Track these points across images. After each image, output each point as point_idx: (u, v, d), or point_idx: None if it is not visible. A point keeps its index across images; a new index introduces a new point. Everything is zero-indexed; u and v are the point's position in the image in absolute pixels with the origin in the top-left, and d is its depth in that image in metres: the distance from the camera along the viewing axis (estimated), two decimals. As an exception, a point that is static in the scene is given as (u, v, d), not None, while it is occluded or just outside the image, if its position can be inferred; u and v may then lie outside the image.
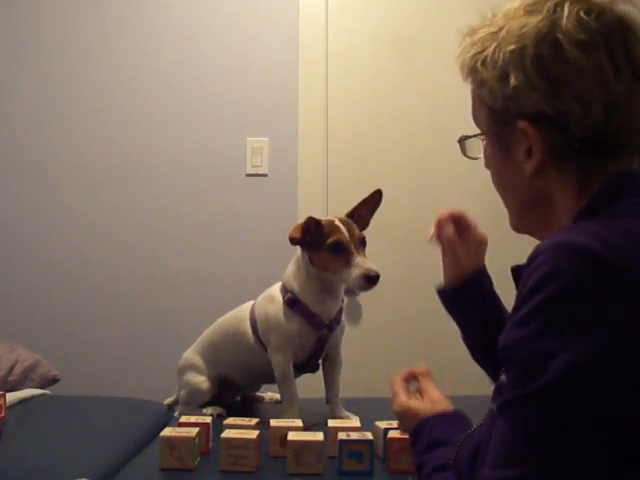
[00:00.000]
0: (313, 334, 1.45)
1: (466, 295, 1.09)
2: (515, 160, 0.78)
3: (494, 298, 1.10)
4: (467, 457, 0.78)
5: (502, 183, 0.84)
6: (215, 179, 2.53)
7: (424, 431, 0.91)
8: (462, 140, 0.89)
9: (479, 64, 0.78)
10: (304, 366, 1.49)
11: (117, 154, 2.55)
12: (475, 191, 2.53)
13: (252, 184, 2.53)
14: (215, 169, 2.53)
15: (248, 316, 1.54)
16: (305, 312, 1.43)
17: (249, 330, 1.52)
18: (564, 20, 0.72)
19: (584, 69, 0.71)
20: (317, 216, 1.42)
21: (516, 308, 0.66)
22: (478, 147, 0.87)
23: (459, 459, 0.81)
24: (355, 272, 1.33)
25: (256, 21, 2.59)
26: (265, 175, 2.53)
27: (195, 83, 2.58)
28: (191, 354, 1.63)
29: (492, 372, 1.05)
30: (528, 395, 0.61)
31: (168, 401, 1.69)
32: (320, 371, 1.54)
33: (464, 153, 0.90)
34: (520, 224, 0.85)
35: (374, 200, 1.47)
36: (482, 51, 0.78)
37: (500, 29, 0.77)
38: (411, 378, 1.03)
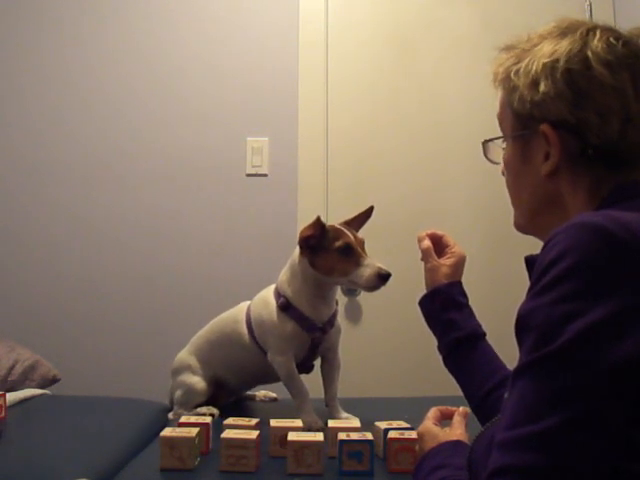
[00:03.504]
0: (307, 336, 1.46)
1: (438, 301, 1.18)
2: (533, 163, 0.86)
3: (464, 307, 1.18)
4: (482, 450, 0.78)
5: (518, 184, 0.90)
6: (215, 179, 2.53)
7: (433, 454, 0.92)
8: (485, 142, 0.97)
9: (512, 73, 0.86)
10: (299, 367, 1.50)
11: (117, 154, 2.55)
12: (475, 191, 2.53)
13: (252, 184, 2.53)
14: (215, 169, 2.53)
15: (244, 317, 1.54)
16: (298, 316, 1.45)
17: (245, 331, 1.53)
18: (595, 42, 0.81)
19: (608, 86, 0.79)
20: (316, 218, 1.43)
21: (533, 283, 0.68)
22: (499, 153, 0.94)
23: (474, 454, 0.81)
24: (367, 271, 1.37)
25: (256, 21, 2.60)
26: (265, 175, 2.53)
27: (195, 83, 2.58)
28: (185, 355, 1.64)
29: (453, 370, 1.16)
30: (546, 355, 0.63)
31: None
32: (320, 373, 1.55)
33: (485, 155, 0.98)
34: (528, 224, 0.91)
35: (367, 215, 1.52)
36: (517, 62, 0.87)
37: (534, 46, 0.86)
38: (449, 415, 1.04)
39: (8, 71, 2.60)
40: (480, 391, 1.11)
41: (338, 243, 1.39)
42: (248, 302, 1.58)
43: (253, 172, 2.54)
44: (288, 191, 2.50)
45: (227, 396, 1.67)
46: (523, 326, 0.67)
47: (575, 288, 0.64)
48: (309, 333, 1.45)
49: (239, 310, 1.58)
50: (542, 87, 0.82)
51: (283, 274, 1.50)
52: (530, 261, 0.80)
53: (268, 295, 1.51)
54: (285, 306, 1.45)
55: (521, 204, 0.91)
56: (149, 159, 2.54)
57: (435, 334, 1.20)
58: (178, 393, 1.59)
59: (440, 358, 1.20)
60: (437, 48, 2.60)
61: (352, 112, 2.58)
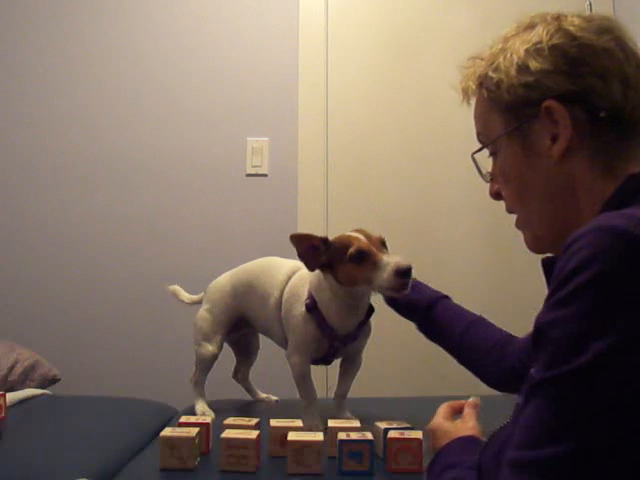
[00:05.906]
0: (326, 343, 1.41)
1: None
2: (539, 152, 0.80)
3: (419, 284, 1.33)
4: (492, 455, 0.76)
5: (525, 188, 0.83)
6: (215, 179, 2.53)
7: (445, 452, 0.90)
8: (474, 154, 0.92)
9: (491, 71, 0.82)
10: (318, 360, 1.47)
11: (117, 154, 2.55)
12: (475, 192, 2.53)
13: (252, 184, 2.53)
14: (215, 169, 2.53)
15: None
16: (321, 321, 1.38)
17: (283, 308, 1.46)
18: (569, 19, 0.80)
19: (599, 50, 0.77)
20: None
21: (552, 292, 0.64)
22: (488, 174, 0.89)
23: (484, 458, 0.79)
24: (386, 271, 1.23)
25: (256, 21, 2.60)
26: (265, 175, 2.54)
27: (195, 83, 2.58)
28: (225, 282, 1.62)
29: (429, 333, 1.31)
30: (566, 373, 0.59)
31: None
32: (324, 372, 1.52)
33: (479, 171, 0.93)
34: (547, 234, 0.83)
35: None
36: (492, 63, 0.83)
37: (504, 46, 0.83)
38: (460, 410, 1.02)
39: (8, 72, 2.60)
40: (453, 341, 1.24)
41: (350, 251, 1.28)
42: (298, 272, 1.47)
43: (253, 172, 2.54)
44: (288, 191, 2.50)
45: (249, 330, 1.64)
46: (542, 337, 0.64)
47: (597, 302, 0.60)
48: (328, 340, 1.40)
49: (286, 276, 1.48)
50: (533, 67, 0.78)
51: (314, 276, 1.39)
52: (547, 264, 0.76)
53: (302, 290, 1.42)
54: (310, 307, 1.38)
55: (532, 211, 0.83)
56: (149, 159, 2.54)
57: (411, 319, 1.34)
58: (194, 346, 1.58)
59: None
60: (437, 49, 2.60)
61: (352, 112, 2.58)
